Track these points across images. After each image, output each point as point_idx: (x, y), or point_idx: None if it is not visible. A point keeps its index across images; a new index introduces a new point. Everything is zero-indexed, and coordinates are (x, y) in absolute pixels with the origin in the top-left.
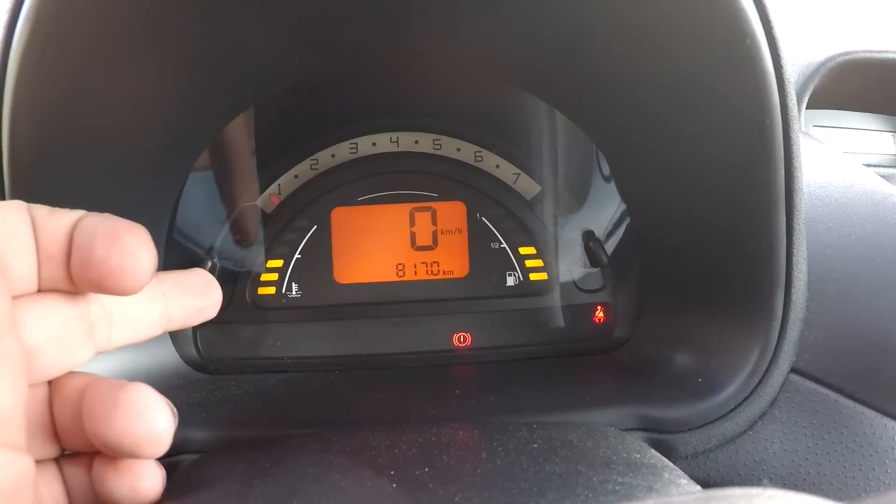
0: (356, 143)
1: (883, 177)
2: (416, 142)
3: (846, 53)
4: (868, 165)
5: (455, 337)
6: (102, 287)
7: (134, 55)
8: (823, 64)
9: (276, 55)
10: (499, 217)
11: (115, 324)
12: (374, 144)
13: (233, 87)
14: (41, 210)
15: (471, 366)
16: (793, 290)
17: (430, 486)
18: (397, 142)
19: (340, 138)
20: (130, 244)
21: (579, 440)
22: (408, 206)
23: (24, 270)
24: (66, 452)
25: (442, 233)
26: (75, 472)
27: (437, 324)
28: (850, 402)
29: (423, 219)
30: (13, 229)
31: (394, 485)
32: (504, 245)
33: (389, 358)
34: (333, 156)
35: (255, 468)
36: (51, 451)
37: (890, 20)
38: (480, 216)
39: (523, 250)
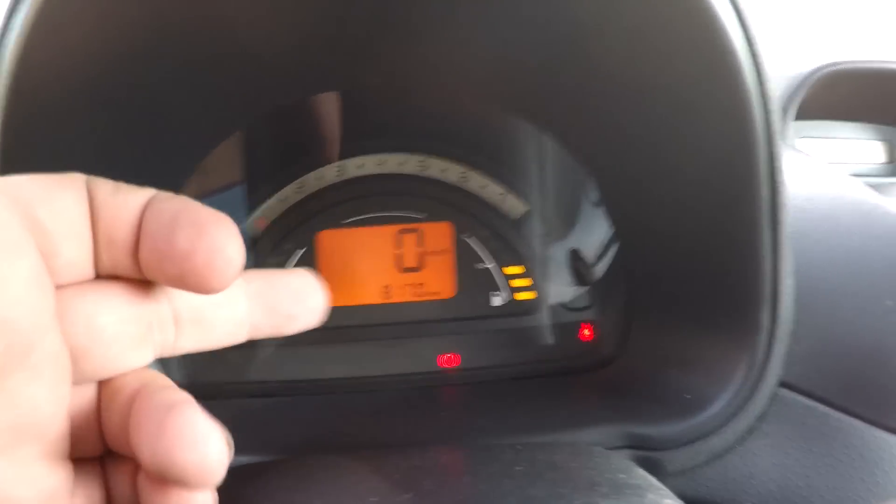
0: (342, 166)
1: (871, 186)
2: (402, 163)
3: (833, 64)
4: (857, 175)
5: (442, 358)
6: (182, 283)
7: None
8: (811, 75)
9: (260, 80)
10: (485, 237)
11: (183, 327)
12: (359, 167)
13: (220, 111)
14: (104, 186)
15: (458, 387)
16: (779, 305)
17: None
18: (383, 163)
19: (325, 161)
20: (220, 238)
21: (564, 461)
22: (394, 228)
23: (76, 256)
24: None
25: (428, 254)
26: (120, 479)
27: (424, 345)
28: (839, 415)
29: (409, 240)
30: (66, 208)
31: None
32: (490, 265)
33: (376, 381)
34: (320, 178)
35: (233, 495)
36: (93, 450)
37: (876, 30)
38: (467, 237)
39: (509, 270)
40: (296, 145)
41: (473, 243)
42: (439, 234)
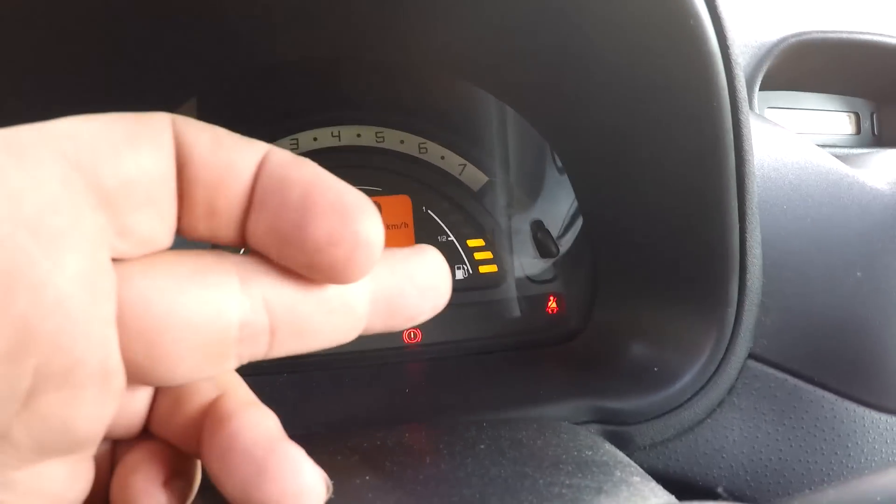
0: (297, 139)
1: (838, 157)
2: (359, 135)
3: (800, 34)
4: (823, 146)
5: (405, 333)
6: (309, 272)
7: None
8: (777, 45)
9: (217, 47)
10: (445, 209)
11: (280, 336)
12: (315, 139)
13: (172, 80)
14: (199, 135)
15: (422, 363)
16: (747, 276)
17: (369, 496)
18: (339, 136)
19: (280, 135)
20: (366, 228)
21: (529, 438)
22: None
23: (152, 232)
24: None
25: (387, 227)
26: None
27: None
28: (809, 387)
29: None
30: (144, 166)
31: (331, 496)
32: (451, 238)
33: (338, 358)
34: None
35: None
36: (123, 436)
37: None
38: (426, 209)
39: (471, 242)
40: (249, 118)
41: (434, 216)
42: (398, 207)
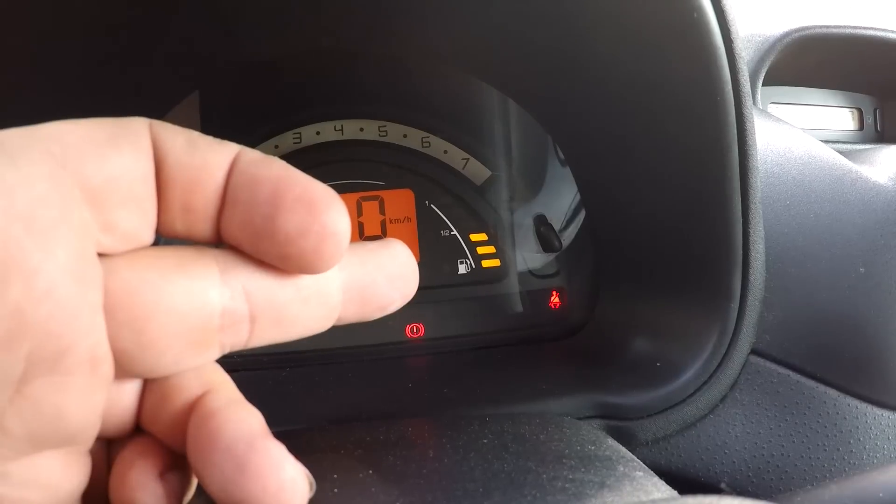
0: (299, 133)
1: (841, 153)
2: (362, 129)
3: (803, 29)
4: (826, 142)
5: (408, 328)
6: (280, 263)
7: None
8: (780, 40)
9: (221, 37)
10: (448, 204)
11: (260, 325)
12: (317, 133)
13: (172, 74)
14: (175, 138)
15: (425, 357)
16: (750, 271)
17: (372, 490)
18: (342, 130)
19: (282, 129)
20: (332, 220)
21: (532, 433)
22: (355, 196)
23: (134, 228)
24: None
25: (390, 222)
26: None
27: (389, 315)
28: (812, 383)
29: (370, 208)
30: (125, 166)
31: (335, 489)
32: (454, 232)
33: (341, 352)
34: (277, 147)
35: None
36: (116, 435)
37: None
38: (429, 203)
39: (474, 237)
40: (250, 113)
41: (436, 210)
42: (401, 201)
